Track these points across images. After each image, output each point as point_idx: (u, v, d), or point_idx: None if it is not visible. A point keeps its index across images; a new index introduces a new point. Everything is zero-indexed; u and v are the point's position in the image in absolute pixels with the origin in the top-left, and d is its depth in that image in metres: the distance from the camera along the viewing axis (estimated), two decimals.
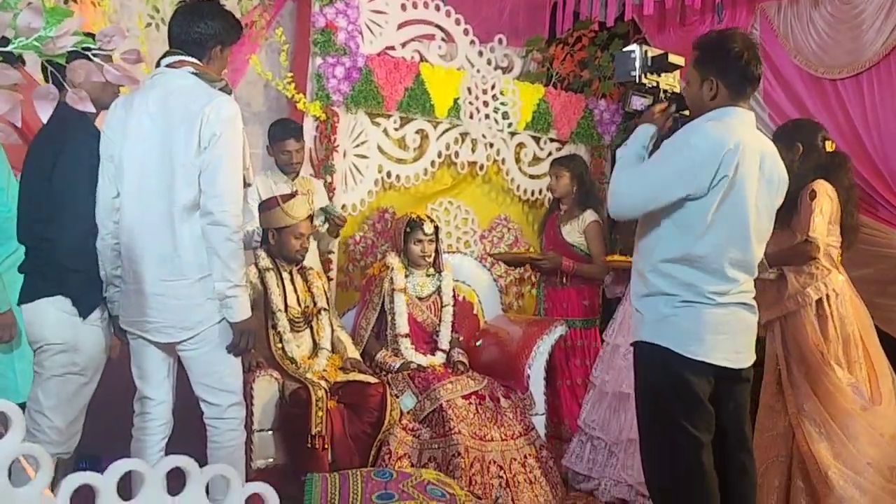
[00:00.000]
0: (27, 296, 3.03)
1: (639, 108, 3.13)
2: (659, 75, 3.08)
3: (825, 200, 3.71)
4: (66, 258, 3.00)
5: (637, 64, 3.09)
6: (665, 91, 3.11)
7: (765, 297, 3.86)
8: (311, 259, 4.63)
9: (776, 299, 3.83)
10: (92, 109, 1.76)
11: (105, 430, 3.34)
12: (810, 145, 3.85)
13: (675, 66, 3.10)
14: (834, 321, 3.76)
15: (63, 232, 2.99)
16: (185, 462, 1.72)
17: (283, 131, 4.57)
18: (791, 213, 3.76)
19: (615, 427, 4.42)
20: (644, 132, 2.97)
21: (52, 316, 2.99)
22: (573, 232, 4.99)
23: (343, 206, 4.99)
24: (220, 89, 2.95)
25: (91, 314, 3.04)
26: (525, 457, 4.16)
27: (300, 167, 4.62)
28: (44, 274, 3.01)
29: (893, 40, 4.50)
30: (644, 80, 3.08)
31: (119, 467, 1.63)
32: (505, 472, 4.03)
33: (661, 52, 3.12)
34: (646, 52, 3.10)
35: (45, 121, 1.68)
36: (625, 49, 3.17)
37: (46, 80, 2.27)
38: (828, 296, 3.77)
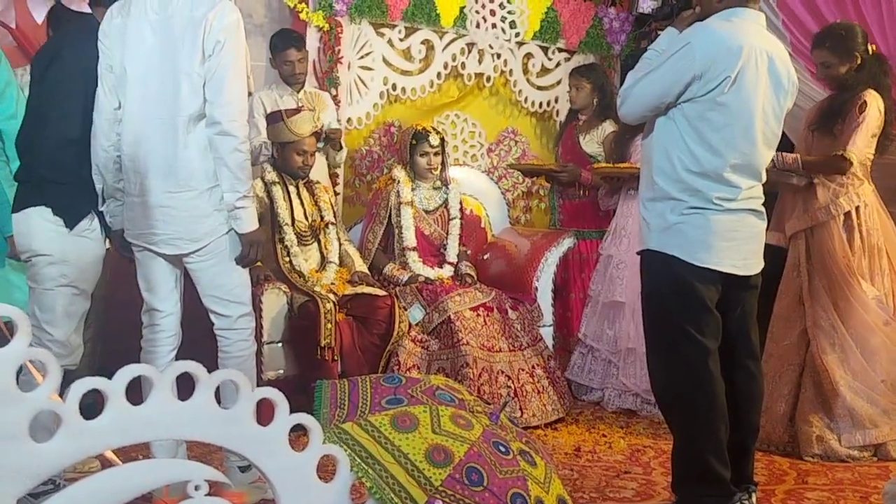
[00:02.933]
0: (17, 205, 3.00)
1: (647, 10, 3.08)
2: None
3: (874, 114, 3.66)
4: (43, 168, 2.95)
5: None
6: None
7: (792, 209, 3.83)
8: (320, 173, 4.60)
9: (804, 210, 3.79)
10: (88, 10, 1.71)
11: (119, 347, 3.36)
12: (865, 53, 3.75)
13: None
14: (861, 233, 3.74)
15: (43, 141, 2.94)
16: (194, 367, 1.72)
17: (283, 41, 4.51)
18: (836, 118, 3.72)
19: (610, 337, 4.46)
20: (667, 35, 2.91)
21: (38, 226, 2.95)
22: (592, 142, 4.92)
23: (349, 120, 4.92)
24: None
25: (78, 225, 2.99)
26: (533, 367, 4.20)
27: (303, 78, 4.57)
28: (30, 183, 2.97)
29: None
30: None
31: (128, 372, 1.63)
32: (513, 382, 4.08)
33: None
34: None
35: (39, 21, 1.62)
36: None
37: None
38: (857, 207, 3.73)
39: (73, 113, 2.97)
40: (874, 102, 3.66)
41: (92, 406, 1.59)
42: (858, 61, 3.73)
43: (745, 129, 2.77)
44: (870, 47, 3.79)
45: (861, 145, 3.65)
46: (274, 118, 4.08)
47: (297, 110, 4.10)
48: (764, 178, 2.91)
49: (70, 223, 2.98)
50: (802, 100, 3.89)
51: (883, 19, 4.56)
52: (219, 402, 1.74)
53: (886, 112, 3.72)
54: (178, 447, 2.94)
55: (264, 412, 1.79)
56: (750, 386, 2.97)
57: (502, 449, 2.06)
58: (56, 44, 2.90)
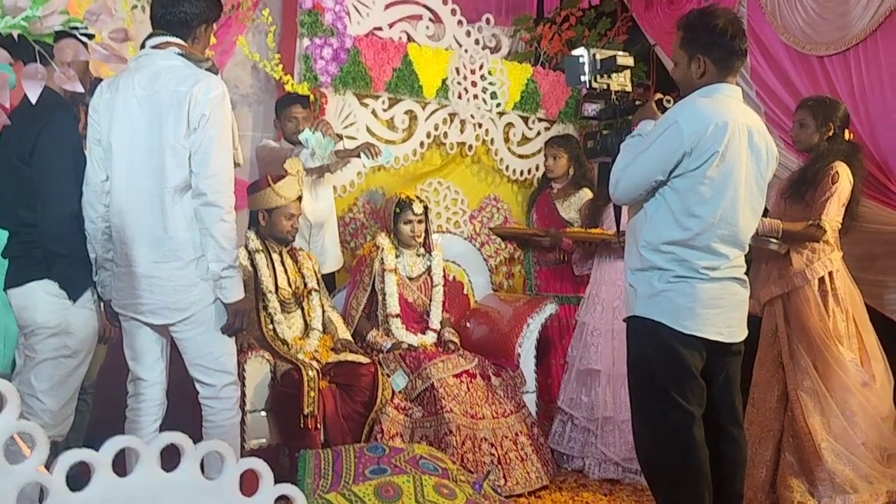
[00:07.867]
0: (15, 280, 3.01)
1: (591, 113, 3.20)
2: (609, 77, 3.11)
3: (845, 184, 3.78)
4: (51, 243, 2.98)
5: (586, 68, 3.15)
6: (617, 92, 3.15)
7: (766, 277, 3.90)
8: (331, 241, 4.75)
9: (779, 276, 3.87)
10: (81, 89, 1.76)
11: (105, 416, 3.34)
12: (840, 129, 3.91)
13: (623, 67, 3.15)
14: (837, 297, 3.81)
15: (47, 216, 2.96)
16: (179, 438, 1.72)
17: (289, 98, 4.61)
18: (808, 187, 3.84)
19: (587, 404, 4.45)
20: (646, 124, 2.99)
21: (42, 299, 2.97)
22: (570, 209, 5.01)
23: (333, 188, 4.98)
24: (207, 69, 2.94)
25: (81, 297, 3.03)
26: (516, 434, 4.19)
27: None
28: (31, 258, 2.99)
29: (880, 16, 4.50)
30: (595, 85, 3.13)
31: (115, 444, 1.63)
32: (496, 450, 4.06)
33: (609, 53, 3.18)
34: (594, 55, 3.16)
35: (34, 101, 1.67)
36: (573, 53, 3.22)
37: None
38: (830, 273, 3.82)
39: (70, 187, 3.00)
40: (845, 173, 3.78)
41: (76, 477, 1.60)
42: (830, 133, 3.86)
43: (731, 201, 2.83)
44: (847, 132, 3.93)
45: (833, 214, 3.76)
46: (259, 185, 4.12)
47: (282, 175, 4.15)
48: (747, 249, 2.97)
49: (74, 296, 3.00)
50: (779, 169, 3.98)
51: (853, 90, 4.69)
52: (203, 470, 1.75)
53: (853, 190, 3.83)
54: None
55: (248, 482, 1.80)
56: (734, 452, 2.99)
57: None
58: (37, 120, 2.90)
